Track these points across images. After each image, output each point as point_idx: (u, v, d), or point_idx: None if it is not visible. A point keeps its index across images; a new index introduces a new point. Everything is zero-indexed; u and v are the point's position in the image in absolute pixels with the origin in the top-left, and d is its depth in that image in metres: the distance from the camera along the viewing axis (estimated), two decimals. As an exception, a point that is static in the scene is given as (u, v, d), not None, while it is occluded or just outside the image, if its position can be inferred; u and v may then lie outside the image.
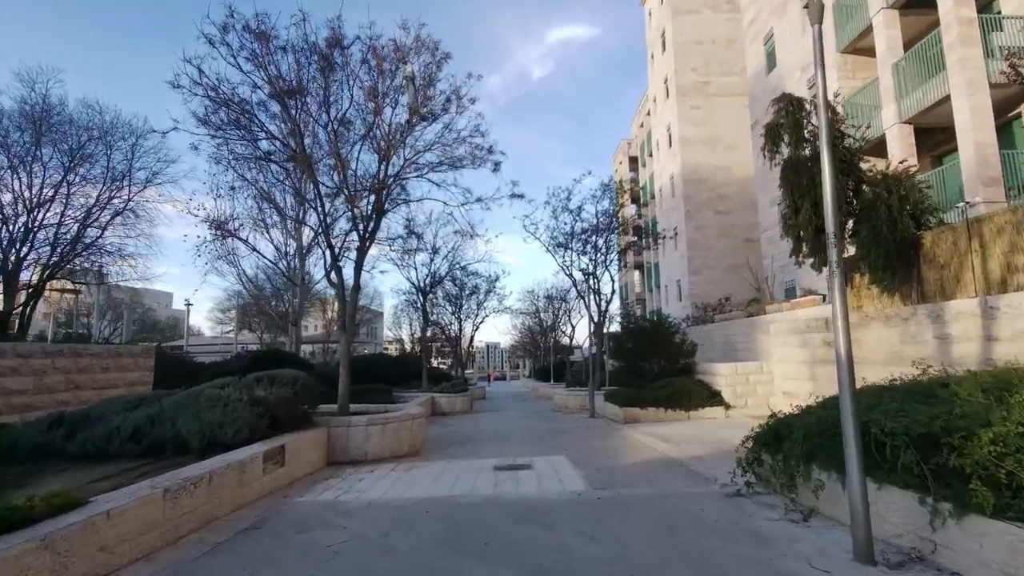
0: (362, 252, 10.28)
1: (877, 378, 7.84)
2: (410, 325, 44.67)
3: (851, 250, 9.28)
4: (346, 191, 9.25)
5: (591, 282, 19.41)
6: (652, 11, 36.41)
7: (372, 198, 10.14)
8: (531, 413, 19.00)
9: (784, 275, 19.80)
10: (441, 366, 59.18)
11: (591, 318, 20.36)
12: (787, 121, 9.10)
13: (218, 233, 16.06)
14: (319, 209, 9.75)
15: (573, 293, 36.38)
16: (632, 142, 45.70)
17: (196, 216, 16.80)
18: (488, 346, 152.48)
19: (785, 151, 9.37)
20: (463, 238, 19.30)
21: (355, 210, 9.50)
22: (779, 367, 11.25)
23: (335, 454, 8.72)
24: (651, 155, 38.34)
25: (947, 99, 12.91)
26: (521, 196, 10.52)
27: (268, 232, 23.92)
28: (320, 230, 10.35)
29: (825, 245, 9.19)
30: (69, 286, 19.85)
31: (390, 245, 12.76)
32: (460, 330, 32.81)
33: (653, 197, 36.66)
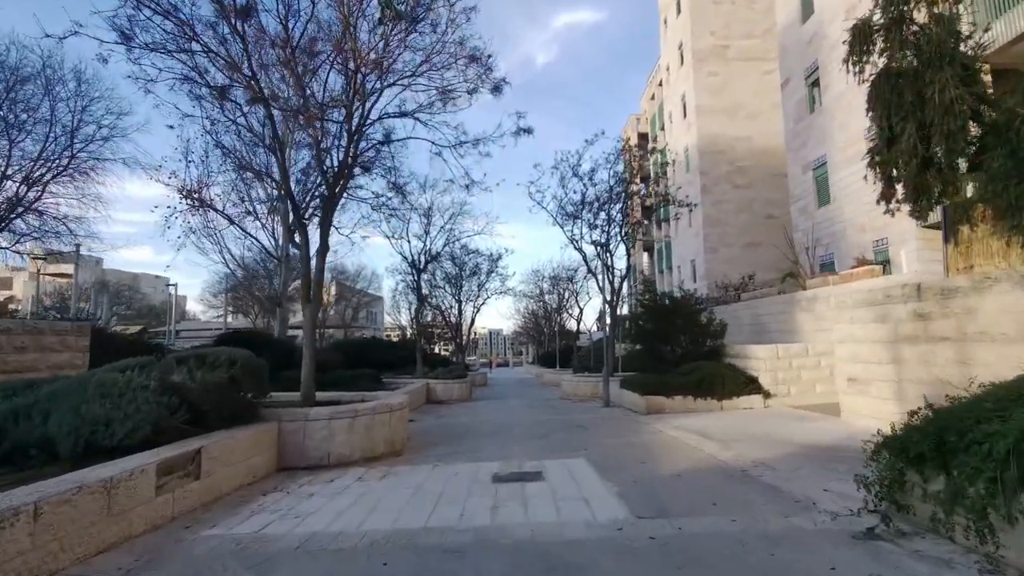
0: (330, 203, 8.24)
1: (1006, 361, 5.87)
2: (409, 309, 42.76)
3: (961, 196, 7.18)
4: (303, 109, 7.16)
5: (603, 256, 17.33)
6: (666, -30, 33.88)
7: (342, 144, 8.09)
8: (537, 401, 17.05)
9: (820, 249, 17.67)
10: (443, 352, 57.48)
11: (603, 296, 18.34)
12: (885, 19, 6.95)
13: (190, 203, 14.04)
14: (272, 144, 7.69)
15: (581, 273, 34.41)
16: (642, 117, 43.23)
17: (168, 185, 14.74)
18: (491, 332, 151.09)
19: (879, 61, 7.24)
20: (457, 188, 17.12)
21: (317, 142, 7.43)
22: (842, 348, 9.26)
23: (289, 457, 6.75)
24: (663, 129, 35.97)
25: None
26: (529, 131, 8.40)
27: (252, 205, 21.81)
28: (276, 169, 8.31)
29: (930, 184, 7.14)
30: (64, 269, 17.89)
31: (371, 203, 10.68)
32: (460, 314, 30.84)
33: (664, 173, 34.33)
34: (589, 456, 7.14)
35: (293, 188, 11.14)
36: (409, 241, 18.66)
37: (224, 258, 26.78)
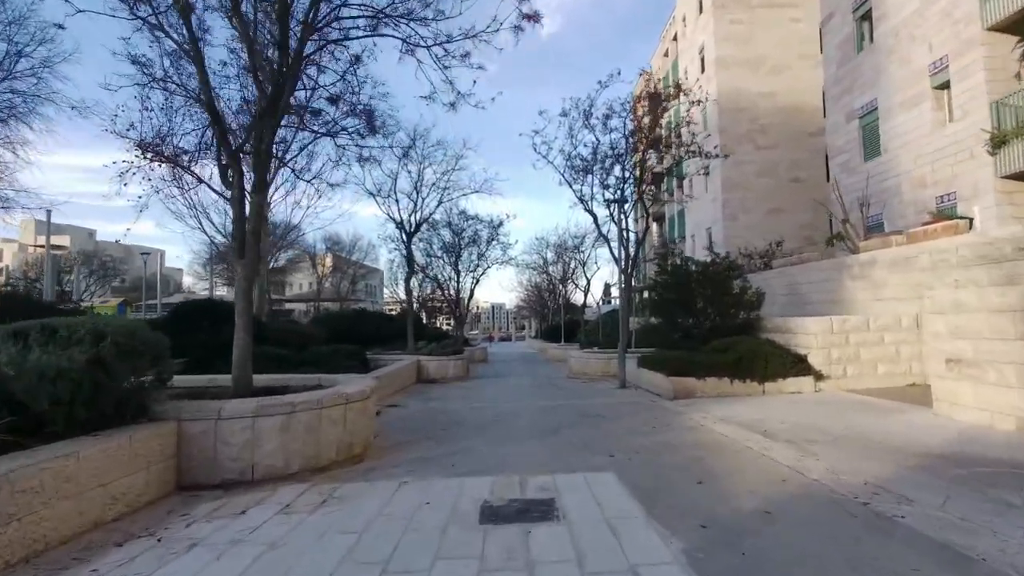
0: (268, 119, 6.06)
1: None
2: (407, 281, 40.74)
3: None
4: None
5: (617, 216, 15.12)
6: (684, -93, 30.75)
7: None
8: (542, 380, 15.08)
9: (865, 209, 15.38)
10: (446, 326, 55.86)
11: (617, 263, 16.23)
12: None
13: (147, 157, 11.80)
14: (187, 44, 5.49)
15: (589, 241, 32.18)
16: (653, 76, 40.32)
17: (126, 138, 12.48)
18: (493, 307, 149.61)
19: None
20: (441, 109, 15.01)
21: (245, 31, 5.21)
22: (938, 322, 7.18)
23: (193, 471, 4.73)
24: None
25: None
26: (536, 18, 6.11)
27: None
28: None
29: None
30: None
31: (331, 132, 8.44)
32: (459, 285, 28.77)
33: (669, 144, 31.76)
34: (620, 468, 5.10)
35: (231, 117, 8.95)
36: (397, 200, 16.44)
37: (201, 223, 24.59)
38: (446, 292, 29.90)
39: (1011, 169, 11.56)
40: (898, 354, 10.47)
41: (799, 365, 10.32)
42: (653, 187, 16.93)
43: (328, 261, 46.15)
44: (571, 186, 16.08)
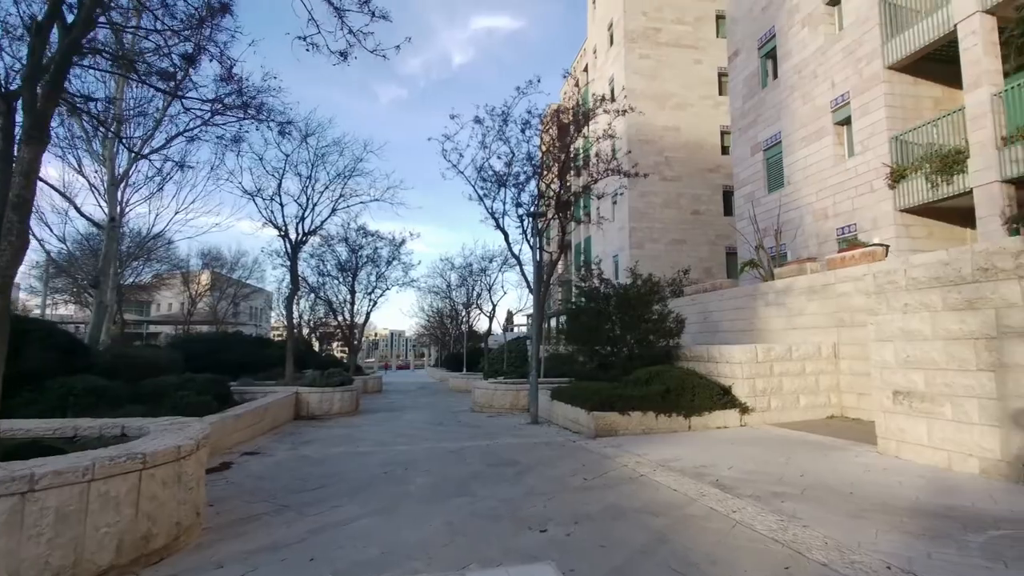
0: (48, 32, 4.00)
1: None
2: (297, 303, 36.98)
3: None
4: None
5: (532, 232, 13.99)
6: (596, -54, 31.65)
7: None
8: (444, 415, 13.30)
9: (768, 239, 15.53)
10: (339, 354, 51.90)
11: (528, 284, 15.05)
12: None
13: None
14: None
15: (496, 264, 31.06)
16: (563, 105, 40.87)
17: None
18: (392, 333, 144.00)
19: None
20: (322, 53, 13.17)
21: None
22: (886, 350, 6.56)
23: None
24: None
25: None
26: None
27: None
28: None
29: None
30: None
31: (172, 91, 6.37)
32: (353, 306, 26.24)
33: (587, 163, 32.03)
34: (561, 552, 3.57)
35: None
36: (282, 204, 14.09)
37: (31, 229, 20.06)
38: (340, 316, 27.21)
39: (909, 203, 11.91)
40: (818, 385, 10.07)
41: (725, 397, 9.54)
42: (570, 205, 16.15)
43: (205, 279, 40.99)
44: (482, 200, 14.83)
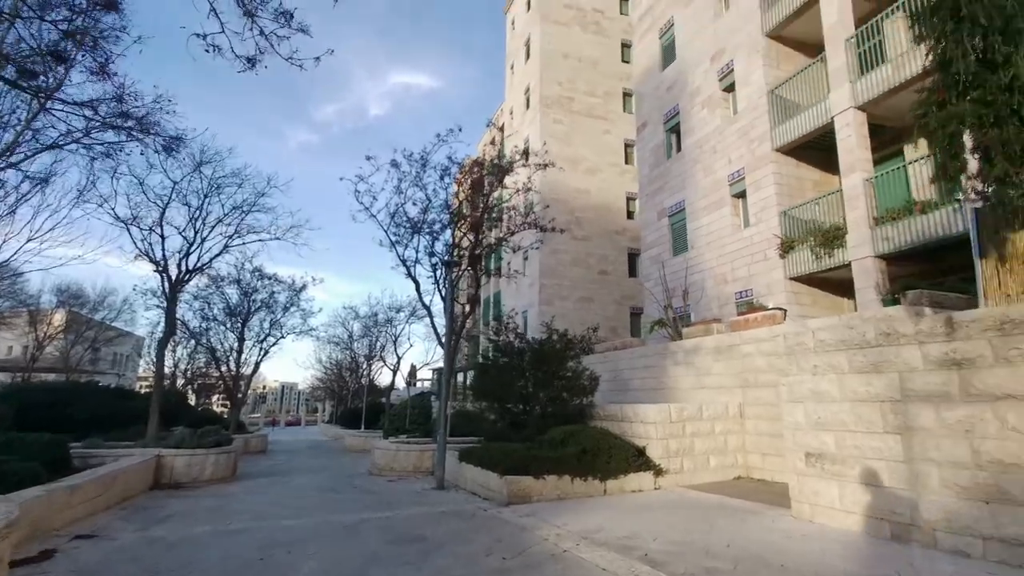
0: None
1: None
2: (173, 350, 32.95)
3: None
4: None
5: (444, 282, 13.42)
6: (516, 19, 33.47)
7: None
8: (338, 479, 11.90)
9: (675, 300, 16.17)
10: (221, 408, 46.81)
11: (438, 336, 14.29)
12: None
13: None
14: None
15: (403, 315, 29.89)
16: (480, 159, 41.68)
17: None
18: (284, 386, 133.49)
19: None
20: (225, 56, 12.14)
21: None
22: (797, 411, 6.64)
23: None
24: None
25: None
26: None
27: None
28: None
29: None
30: None
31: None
32: (241, 355, 23.71)
33: (500, 219, 32.49)
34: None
35: None
36: (163, 236, 12.42)
37: None
38: (224, 366, 24.43)
39: (797, 272, 12.86)
40: (726, 445, 10.15)
41: (640, 459, 9.28)
42: (481, 259, 15.85)
43: (59, 318, 35.59)
44: (394, 247, 14.11)
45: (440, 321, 15.21)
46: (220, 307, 22.67)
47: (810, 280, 13.14)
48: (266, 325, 24.03)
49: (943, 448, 5.24)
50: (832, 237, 11.88)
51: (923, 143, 12.42)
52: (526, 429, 10.84)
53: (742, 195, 14.61)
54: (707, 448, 9.92)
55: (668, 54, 18.21)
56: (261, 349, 23.77)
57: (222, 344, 24.71)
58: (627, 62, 30.79)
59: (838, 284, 13.11)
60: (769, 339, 9.75)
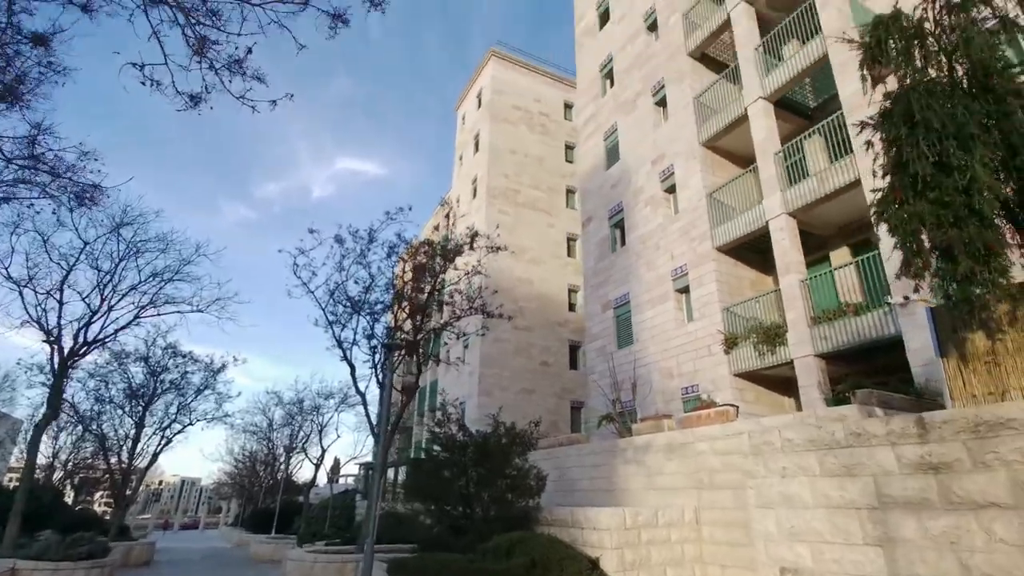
0: None
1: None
2: (55, 436, 28.72)
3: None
4: None
5: (382, 366, 12.49)
6: (467, 116, 35.18)
7: None
8: (236, 603, 9.96)
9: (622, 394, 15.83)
10: (104, 507, 40.80)
11: (372, 426, 13.05)
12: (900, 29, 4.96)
13: None
14: None
15: (332, 403, 27.81)
16: (428, 240, 41.65)
17: None
18: (184, 482, 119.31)
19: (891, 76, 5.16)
20: (166, 93, 11.22)
21: None
22: (768, 519, 6.14)
23: None
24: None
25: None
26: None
27: None
28: None
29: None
30: None
31: None
32: (137, 445, 20.82)
33: (446, 303, 31.95)
34: None
35: None
36: (62, 301, 10.91)
37: None
38: (116, 457, 21.29)
39: (740, 369, 12.96)
40: (683, 555, 9.38)
41: (593, 573, 8.34)
42: (419, 345, 15.04)
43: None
44: (331, 326, 13.18)
45: (375, 409, 14.03)
46: (120, 387, 20.14)
47: (753, 377, 13.23)
48: (173, 410, 21.47)
49: (929, 561, 4.85)
50: (773, 335, 12.14)
51: (845, 251, 13.38)
52: (467, 535, 9.68)
53: (685, 290, 14.95)
54: (664, 559, 9.11)
55: (612, 155, 19.29)
56: (163, 438, 21.04)
57: (116, 431, 21.74)
58: (570, 162, 32.67)
59: (779, 382, 13.27)
60: (723, 437, 9.42)
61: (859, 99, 11.44)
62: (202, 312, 13.42)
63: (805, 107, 14.60)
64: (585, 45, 22.81)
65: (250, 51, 3.87)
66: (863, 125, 5.43)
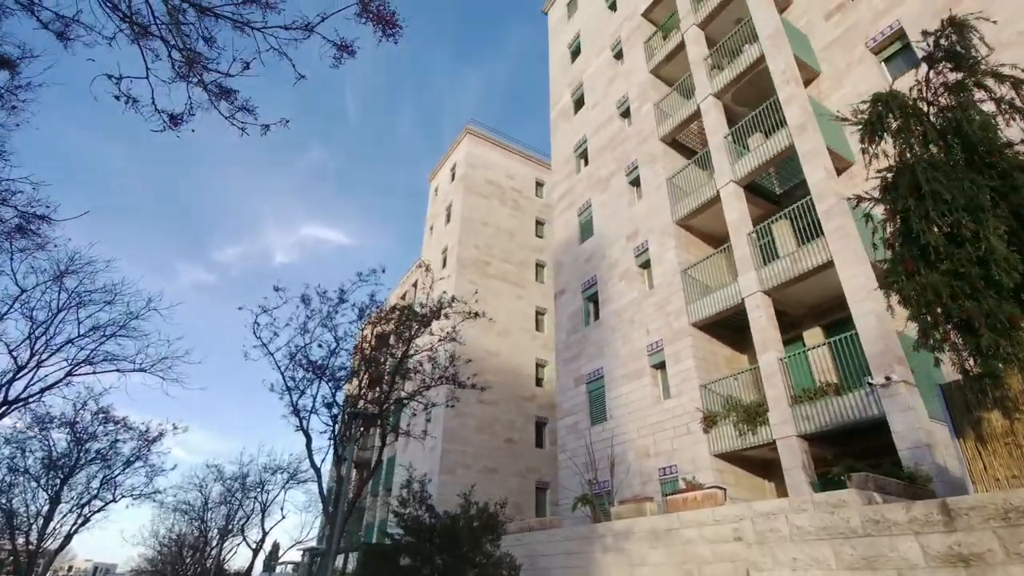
0: None
1: None
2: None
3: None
4: None
5: (340, 439, 11.49)
6: (440, 187, 35.75)
7: None
8: None
9: (599, 473, 15.04)
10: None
11: (325, 504, 11.74)
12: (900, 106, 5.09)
13: None
14: None
15: (279, 479, 25.62)
16: (399, 305, 40.66)
17: None
18: (97, 568, 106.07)
19: (890, 151, 5.20)
20: (143, 117, 10.48)
21: None
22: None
23: None
24: (409, 328, 33.54)
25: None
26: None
27: None
28: None
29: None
30: None
31: None
32: (49, 524, 18.37)
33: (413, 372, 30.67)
34: None
35: None
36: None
37: None
38: (24, 536, 18.65)
39: (720, 449, 12.55)
40: (672, 660, 8.46)
41: None
42: (378, 418, 14.05)
43: None
44: (289, 392, 12.18)
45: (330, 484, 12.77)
46: (38, 456, 17.96)
47: (733, 458, 12.80)
48: (96, 484, 19.17)
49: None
50: (754, 414, 11.87)
51: (818, 331, 13.52)
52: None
53: (661, 366, 14.70)
54: (652, 664, 8.16)
55: (586, 229, 19.59)
56: (80, 516, 18.63)
57: (27, 507, 19.16)
58: (541, 237, 33.21)
59: (760, 464, 12.87)
60: (713, 523, 8.82)
61: (826, 185, 12.02)
62: (145, 371, 12.19)
63: (772, 192, 15.28)
64: (560, 127, 23.81)
65: (248, 65, 3.56)
66: (859, 199, 5.45)
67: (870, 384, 9.94)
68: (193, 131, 3.58)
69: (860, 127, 5.18)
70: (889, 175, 5.03)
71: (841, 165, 13.04)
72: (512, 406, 27.30)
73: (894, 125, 5.07)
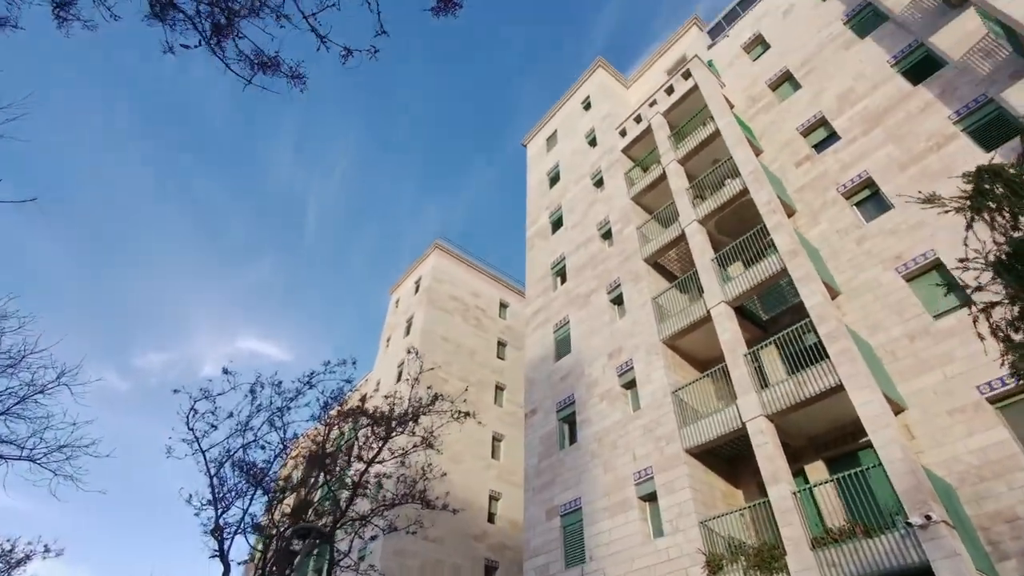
0: None
1: None
2: None
3: None
4: None
5: (271, 570, 8.94)
6: (401, 299, 34.71)
7: None
8: None
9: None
10: None
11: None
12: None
13: None
14: None
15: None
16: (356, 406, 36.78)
17: None
18: None
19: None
20: None
21: None
22: None
23: None
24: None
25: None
26: None
27: None
28: None
29: None
30: None
31: None
32: None
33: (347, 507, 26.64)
34: None
35: None
36: None
37: None
38: None
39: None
40: None
41: None
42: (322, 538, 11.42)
43: None
44: (215, 502, 9.68)
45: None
46: None
47: (741, 615, 10.86)
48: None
49: None
50: (769, 558, 10.31)
51: (821, 466, 12.52)
52: None
53: (651, 497, 13.09)
54: None
55: (563, 346, 18.70)
56: None
57: None
58: (502, 359, 32.01)
59: (772, 623, 10.94)
60: None
61: (825, 309, 11.87)
62: (34, 462, 9.29)
63: (759, 316, 15.17)
64: (537, 245, 23.99)
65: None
66: (976, 289, 4.86)
67: (907, 524, 8.82)
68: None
69: (968, 199, 4.78)
70: (1002, 253, 4.53)
71: (831, 294, 13.14)
72: (459, 545, 23.88)
73: (1002, 196, 4.71)
